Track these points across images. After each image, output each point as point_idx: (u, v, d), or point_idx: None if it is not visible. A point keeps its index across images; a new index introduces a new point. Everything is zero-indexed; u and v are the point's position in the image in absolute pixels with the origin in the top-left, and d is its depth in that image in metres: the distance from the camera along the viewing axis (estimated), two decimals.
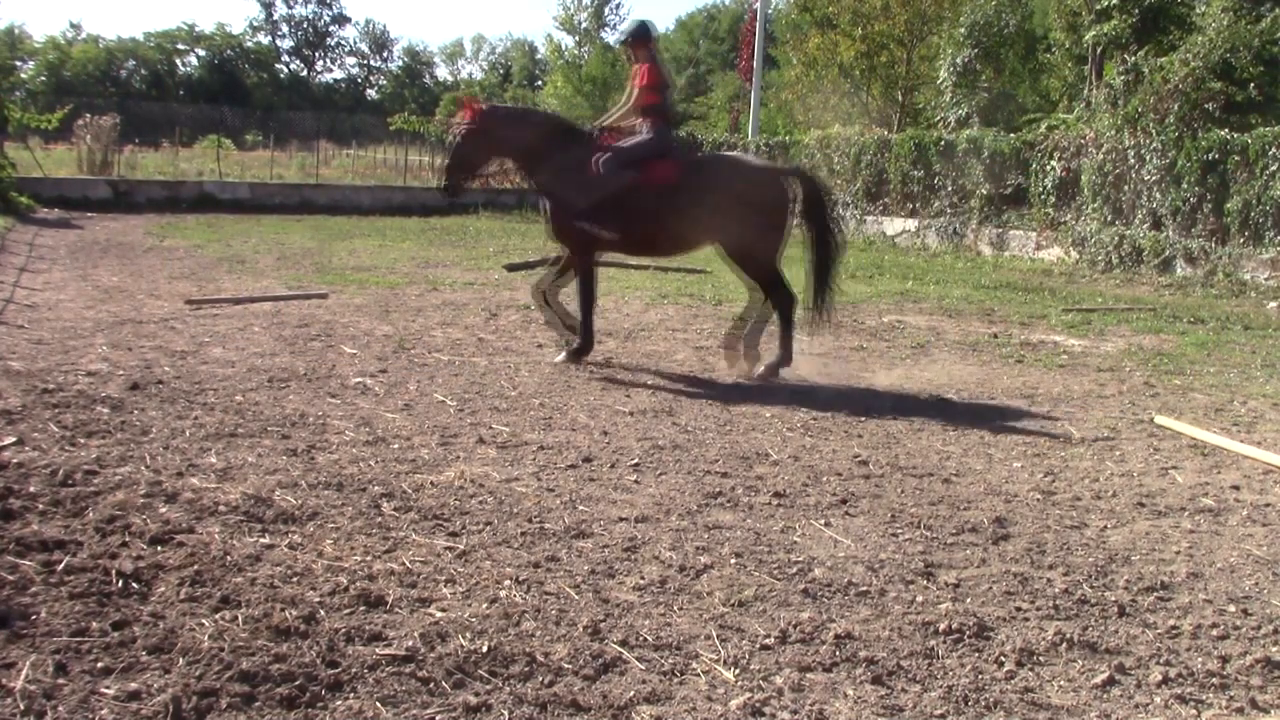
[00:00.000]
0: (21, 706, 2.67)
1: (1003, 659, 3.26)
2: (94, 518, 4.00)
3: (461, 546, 3.99)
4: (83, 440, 5.06)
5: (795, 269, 7.79)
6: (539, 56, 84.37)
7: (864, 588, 3.78)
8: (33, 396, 5.84)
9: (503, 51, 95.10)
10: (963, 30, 25.28)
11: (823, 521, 4.48)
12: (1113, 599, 3.76)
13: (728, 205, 7.34)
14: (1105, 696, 3.07)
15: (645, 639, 3.29)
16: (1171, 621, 3.59)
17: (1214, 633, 3.52)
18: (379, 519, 4.25)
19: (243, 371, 6.93)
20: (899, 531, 4.41)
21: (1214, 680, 3.18)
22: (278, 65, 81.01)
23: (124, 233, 16.87)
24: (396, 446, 5.34)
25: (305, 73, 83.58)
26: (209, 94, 66.12)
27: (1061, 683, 3.14)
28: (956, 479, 5.22)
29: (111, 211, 20.60)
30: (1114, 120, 16.71)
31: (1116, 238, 16.06)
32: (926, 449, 5.79)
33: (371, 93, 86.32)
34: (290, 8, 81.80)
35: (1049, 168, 17.44)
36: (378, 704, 2.81)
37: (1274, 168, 13.90)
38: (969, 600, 3.71)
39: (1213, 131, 14.99)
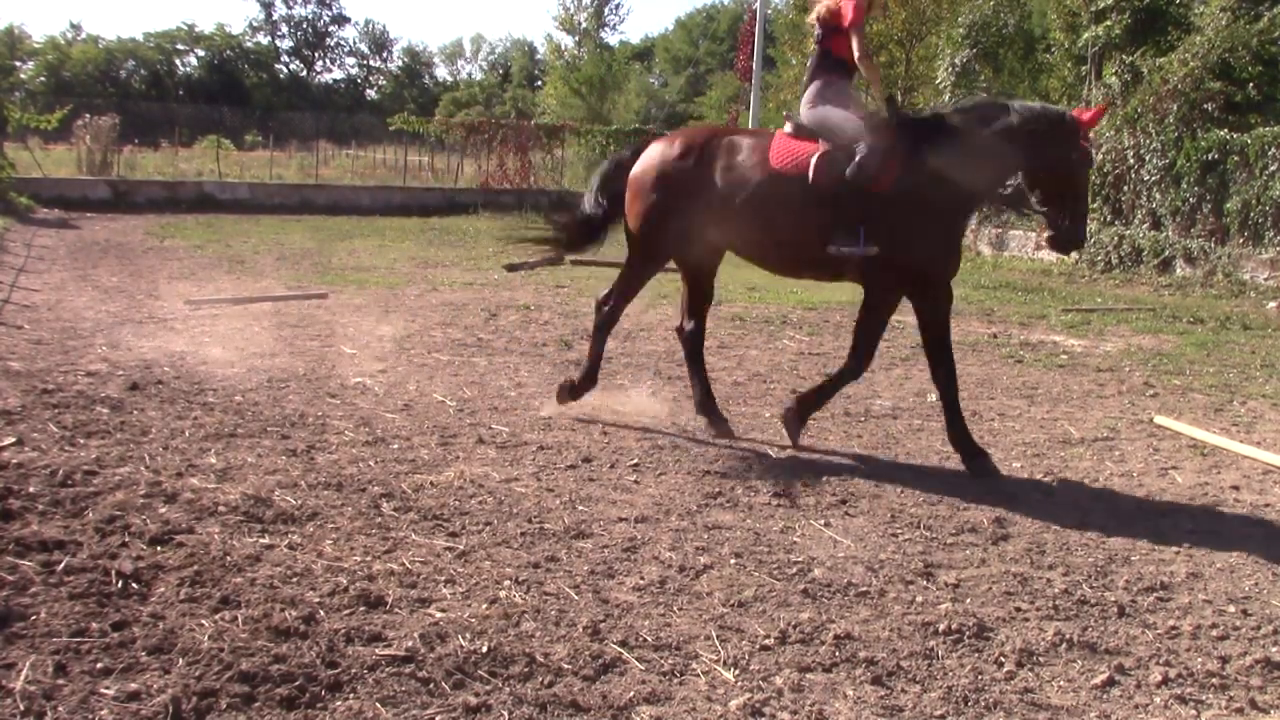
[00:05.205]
0: (21, 707, 2.67)
1: (1002, 659, 3.26)
2: (94, 518, 4.00)
3: (461, 547, 3.99)
4: (82, 440, 5.06)
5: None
6: (539, 57, 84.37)
7: (864, 588, 3.78)
8: (32, 397, 5.84)
9: (502, 52, 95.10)
10: (961, 30, 25.23)
11: (823, 521, 4.48)
12: (1112, 599, 3.76)
13: None
14: (1105, 697, 3.07)
15: (645, 639, 3.29)
16: (1171, 622, 3.59)
17: (1214, 633, 3.52)
18: (379, 519, 4.25)
19: (243, 371, 6.92)
20: (899, 531, 4.41)
21: (1214, 680, 3.18)
22: (277, 65, 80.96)
23: (123, 233, 16.85)
24: (396, 446, 5.34)
25: (305, 73, 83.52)
26: (208, 94, 66.03)
27: (1061, 683, 3.14)
28: (956, 479, 5.22)
29: (111, 212, 20.58)
30: (1113, 120, 16.70)
31: (1116, 238, 16.06)
32: (926, 449, 5.79)
33: (371, 93, 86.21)
34: (290, 8, 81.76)
35: None
36: (377, 704, 2.81)
37: (1273, 168, 13.90)
38: (969, 600, 3.71)
39: (1212, 132, 14.99)
